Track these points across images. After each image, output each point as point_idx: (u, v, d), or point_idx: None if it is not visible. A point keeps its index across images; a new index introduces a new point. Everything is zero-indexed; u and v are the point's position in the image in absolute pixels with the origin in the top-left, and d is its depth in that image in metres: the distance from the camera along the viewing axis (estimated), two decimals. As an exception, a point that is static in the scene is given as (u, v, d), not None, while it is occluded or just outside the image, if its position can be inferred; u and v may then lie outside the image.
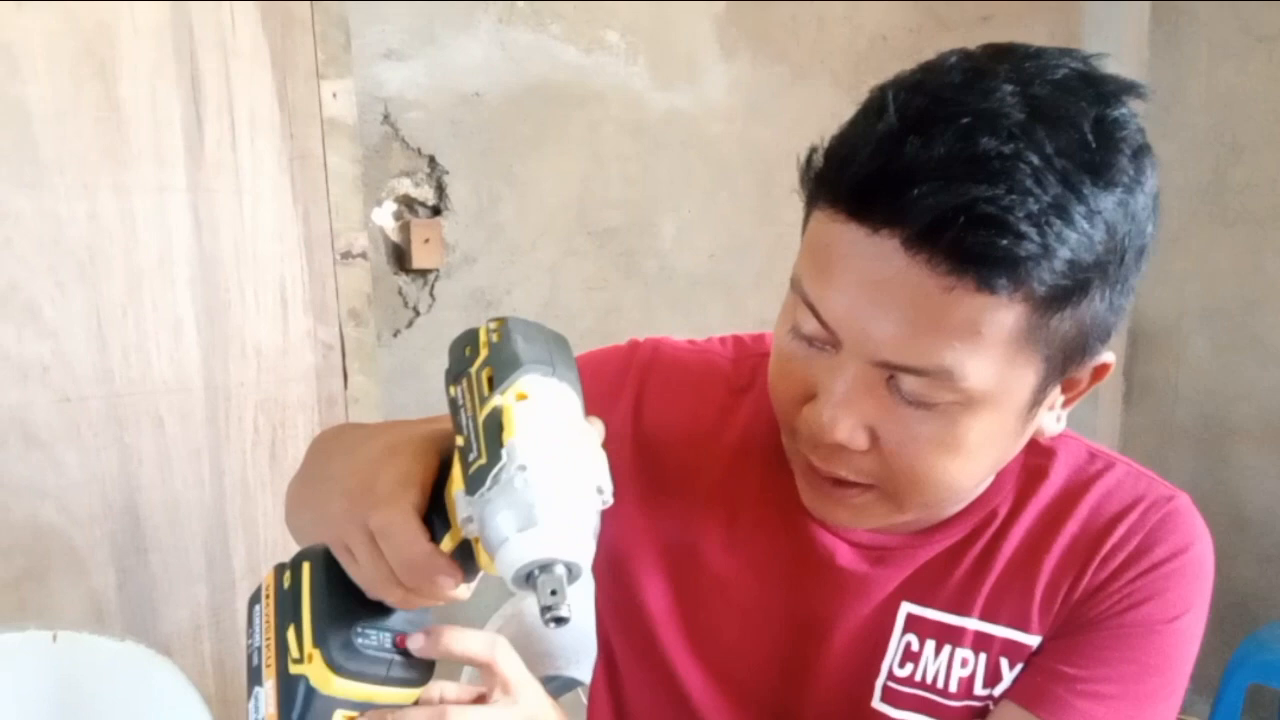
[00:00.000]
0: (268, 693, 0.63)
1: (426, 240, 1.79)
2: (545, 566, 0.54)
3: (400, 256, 1.81)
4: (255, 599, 0.69)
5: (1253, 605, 2.39)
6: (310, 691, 0.62)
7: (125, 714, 1.15)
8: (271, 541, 1.66)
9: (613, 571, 0.88)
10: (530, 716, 0.68)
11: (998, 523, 0.79)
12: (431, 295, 1.85)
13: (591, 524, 0.57)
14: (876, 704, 0.81)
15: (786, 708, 0.84)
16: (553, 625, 0.54)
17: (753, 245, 2.20)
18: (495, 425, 0.57)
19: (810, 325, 0.66)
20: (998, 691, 0.79)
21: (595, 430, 0.61)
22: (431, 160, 1.81)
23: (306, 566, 0.66)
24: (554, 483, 0.55)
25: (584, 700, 1.10)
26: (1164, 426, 2.67)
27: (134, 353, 1.52)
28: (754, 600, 0.83)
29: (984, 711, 0.80)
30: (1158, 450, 2.62)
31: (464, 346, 0.64)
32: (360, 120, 1.69)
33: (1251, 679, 2.07)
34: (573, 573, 0.55)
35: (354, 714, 0.63)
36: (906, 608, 0.80)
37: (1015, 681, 0.79)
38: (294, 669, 0.62)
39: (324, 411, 1.69)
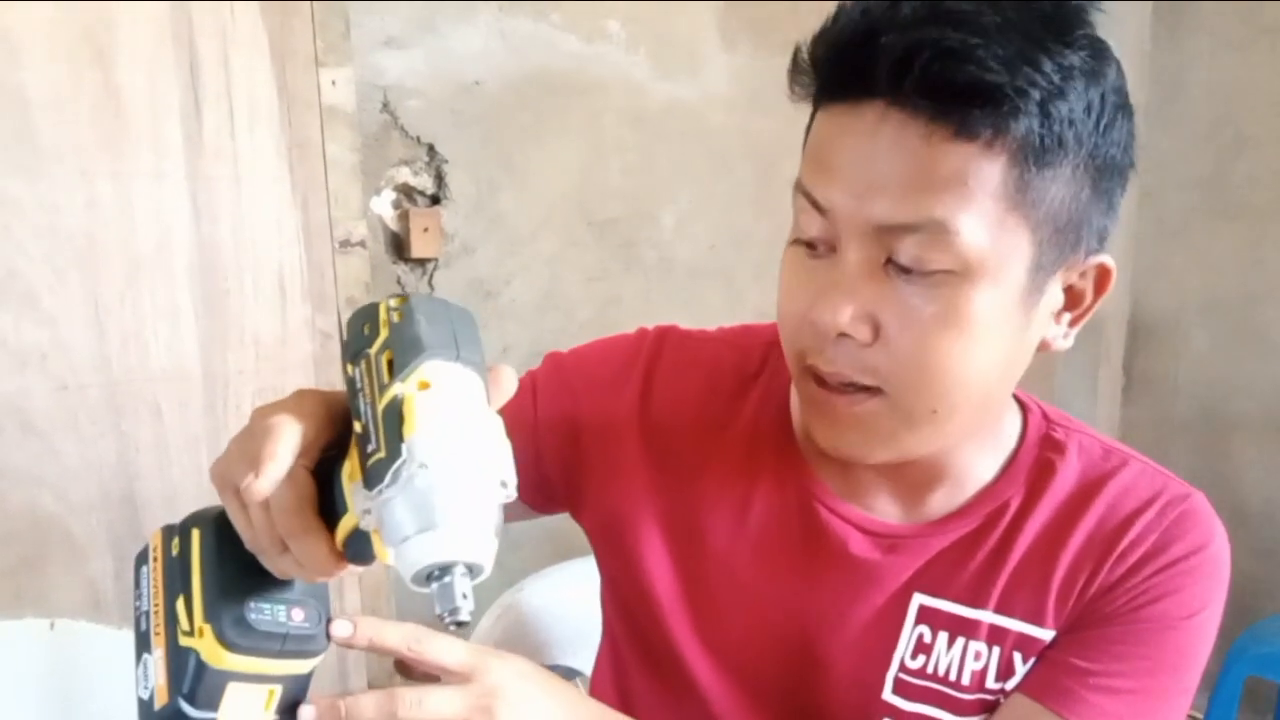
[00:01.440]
0: (156, 661, 0.62)
1: (425, 229, 1.79)
2: (445, 568, 0.53)
3: (399, 245, 1.81)
4: (142, 559, 0.67)
5: (1251, 598, 2.39)
6: (201, 665, 0.60)
7: (122, 701, 1.15)
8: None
9: (619, 558, 0.88)
10: (491, 689, 0.65)
11: (1010, 514, 0.79)
12: (430, 285, 1.84)
13: (494, 521, 0.55)
14: (887, 696, 0.81)
15: (796, 696, 0.84)
16: (454, 628, 0.53)
17: (753, 236, 2.20)
18: (395, 416, 0.54)
19: (810, 223, 0.69)
20: (1010, 685, 0.79)
21: (498, 420, 0.59)
22: (431, 149, 1.81)
23: (196, 534, 0.64)
24: (456, 482, 0.53)
25: (582, 690, 1.10)
26: (1163, 420, 2.67)
27: (132, 340, 1.52)
28: (764, 587, 0.83)
29: (995, 705, 0.80)
30: (1157, 444, 2.62)
31: (363, 323, 0.60)
32: (359, 108, 1.68)
33: (1249, 672, 2.07)
34: (474, 572, 0.54)
35: (247, 685, 0.61)
36: (919, 599, 0.80)
37: (1027, 674, 0.79)
38: (184, 641, 0.61)
39: (269, 402, 1.68)
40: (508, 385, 0.61)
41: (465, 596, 0.53)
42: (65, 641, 1.13)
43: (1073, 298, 0.73)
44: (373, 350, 0.58)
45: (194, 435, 1.58)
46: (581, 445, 0.86)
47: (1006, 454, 0.81)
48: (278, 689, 0.63)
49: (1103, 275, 0.72)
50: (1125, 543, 0.76)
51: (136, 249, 1.50)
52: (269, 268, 1.62)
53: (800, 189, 0.70)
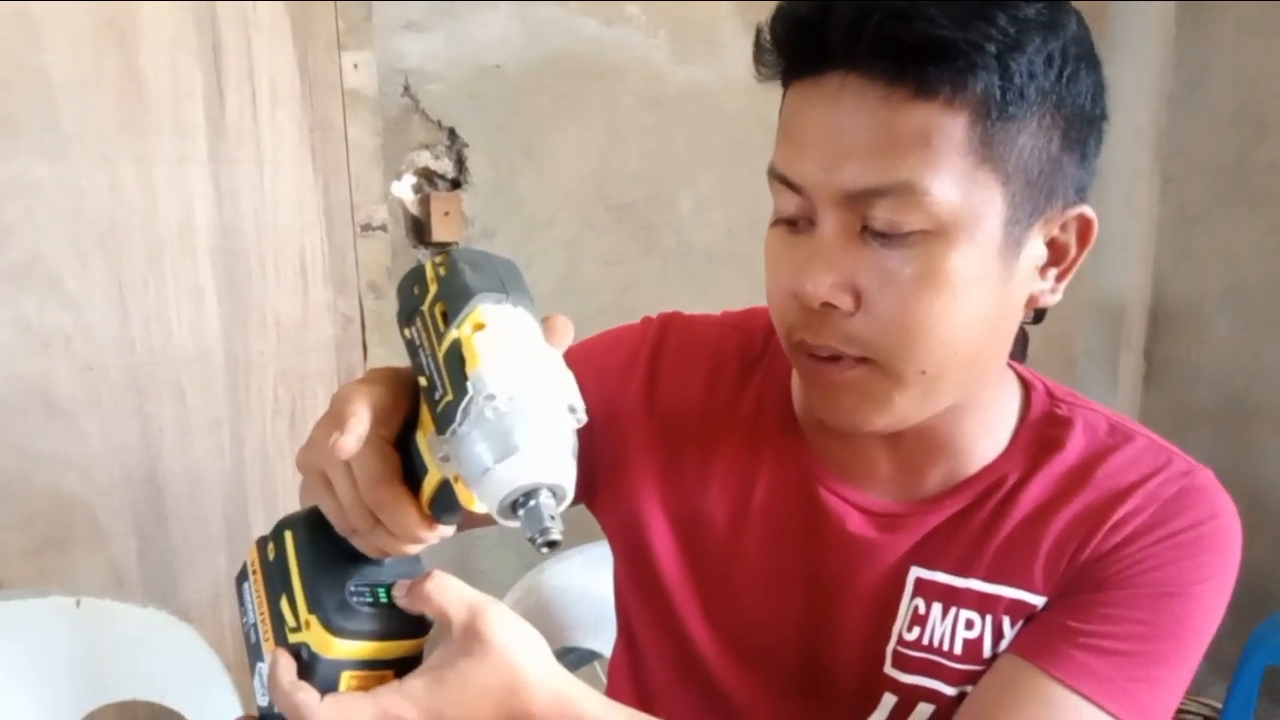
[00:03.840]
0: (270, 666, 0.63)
1: (446, 213, 1.79)
2: (530, 493, 0.54)
3: (419, 229, 1.81)
4: (242, 576, 0.68)
5: (1270, 587, 2.37)
6: (313, 657, 0.61)
7: (147, 679, 1.16)
8: (289, 513, 1.67)
9: (631, 544, 0.89)
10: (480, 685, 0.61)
11: (1007, 487, 0.78)
12: (450, 269, 1.84)
13: (569, 445, 0.56)
14: (888, 669, 0.81)
15: (804, 674, 0.84)
16: (546, 550, 0.54)
17: (772, 221, 2.19)
18: (456, 358, 0.56)
19: (787, 202, 0.70)
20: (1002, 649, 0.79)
21: (556, 352, 0.60)
22: (451, 133, 1.81)
23: (288, 535, 0.66)
24: (526, 407, 0.54)
25: (601, 674, 1.11)
26: (1184, 408, 2.65)
27: (155, 323, 1.53)
28: (769, 567, 0.83)
29: None
30: (1177, 431, 2.60)
31: (412, 285, 0.62)
32: (380, 92, 1.69)
33: (1268, 661, 2.06)
34: (557, 495, 0.55)
35: (361, 672, 0.62)
36: (915, 572, 0.80)
37: (1017, 634, 0.78)
38: (293, 638, 0.62)
39: (343, 383, 1.69)
40: (563, 331, 0.62)
41: (553, 518, 0.54)
42: (91, 619, 1.14)
43: (1056, 251, 0.72)
44: (425, 306, 0.60)
45: (216, 417, 1.60)
46: (592, 438, 0.87)
47: (1008, 431, 0.81)
48: (391, 675, 0.63)
49: (1085, 227, 0.72)
50: (1121, 513, 0.75)
51: (159, 232, 1.51)
52: (290, 251, 1.62)
53: (773, 172, 0.71)
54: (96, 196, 1.46)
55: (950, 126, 0.64)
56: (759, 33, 0.71)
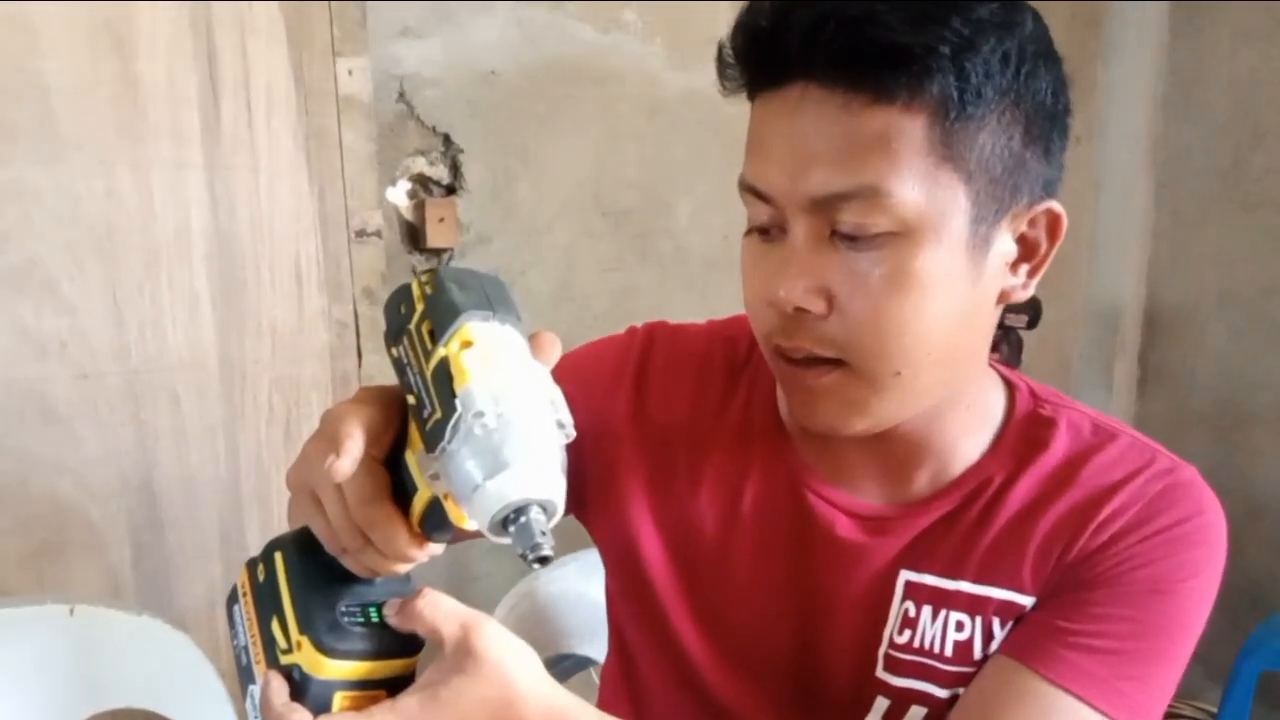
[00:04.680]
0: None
1: (441, 219, 1.79)
2: (520, 509, 0.54)
3: (415, 236, 1.81)
4: (233, 599, 0.68)
5: (1265, 593, 2.38)
6: (305, 678, 0.61)
7: (142, 687, 1.16)
8: (285, 519, 1.67)
9: (622, 554, 0.89)
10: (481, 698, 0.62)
11: (993, 489, 0.79)
12: (446, 275, 1.84)
13: (559, 460, 0.56)
14: (879, 673, 0.81)
15: (796, 680, 0.84)
16: (537, 566, 0.54)
17: (768, 227, 2.19)
18: (444, 376, 0.56)
19: (759, 213, 0.72)
20: (993, 650, 0.79)
21: (544, 368, 0.60)
22: (446, 139, 1.81)
23: (278, 556, 0.65)
24: (514, 423, 0.54)
25: (596, 681, 1.11)
26: (1179, 413, 2.65)
27: (150, 329, 1.53)
28: (759, 574, 0.84)
29: None
30: (1173, 437, 2.58)
31: (399, 304, 0.63)
32: (376, 98, 1.69)
33: (1263, 667, 2.05)
34: (548, 511, 0.55)
35: (353, 692, 0.62)
36: (905, 575, 0.80)
37: (1007, 635, 0.78)
38: (284, 659, 0.62)
39: (338, 390, 1.69)
40: (550, 347, 0.63)
41: (544, 534, 0.54)
42: (85, 627, 1.14)
43: (1026, 247, 0.73)
44: (412, 325, 0.60)
45: (211, 423, 1.59)
46: (581, 452, 0.87)
47: (992, 431, 0.81)
48: (384, 695, 0.63)
49: (1054, 222, 0.73)
50: (1106, 512, 0.76)
51: (155, 238, 1.51)
52: (286, 257, 1.62)
53: (743, 184, 0.72)
54: (93, 201, 1.46)
55: (910, 129, 0.65)
56: (720, 49, 0.72)
